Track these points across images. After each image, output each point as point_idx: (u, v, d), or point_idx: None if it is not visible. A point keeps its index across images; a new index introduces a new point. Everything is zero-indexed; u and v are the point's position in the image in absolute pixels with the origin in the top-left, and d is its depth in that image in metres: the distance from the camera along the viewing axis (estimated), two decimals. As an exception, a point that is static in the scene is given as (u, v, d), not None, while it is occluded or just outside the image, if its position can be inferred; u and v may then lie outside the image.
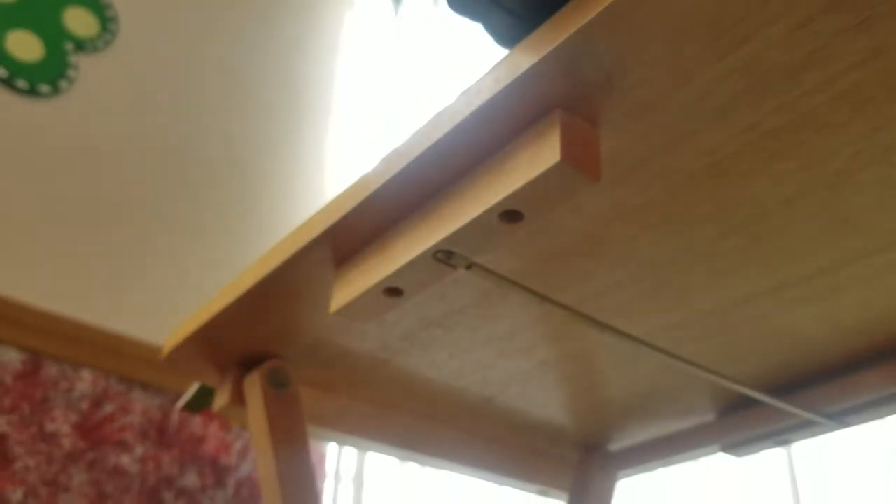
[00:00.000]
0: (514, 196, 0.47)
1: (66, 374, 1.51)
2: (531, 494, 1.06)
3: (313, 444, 1.79)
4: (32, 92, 1.61)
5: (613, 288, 0.65)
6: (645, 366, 0.78)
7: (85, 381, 1.53)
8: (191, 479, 1.59)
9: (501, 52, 0.58)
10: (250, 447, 1.71)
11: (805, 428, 0.84)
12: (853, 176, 0.52)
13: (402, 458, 0.95)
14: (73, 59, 1.71)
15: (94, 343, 1.56)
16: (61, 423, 1.48)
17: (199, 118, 1.88)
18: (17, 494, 1.38)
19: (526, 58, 0.45)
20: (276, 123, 2.00)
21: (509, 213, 0.49)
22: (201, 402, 0.87)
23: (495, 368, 0.78)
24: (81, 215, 1.64)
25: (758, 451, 0.89)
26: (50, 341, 1.50)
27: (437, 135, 0.50)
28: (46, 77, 1.66)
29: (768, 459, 1.64)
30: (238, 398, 0.78)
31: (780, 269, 0.62)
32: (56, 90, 1.66)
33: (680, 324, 0.69)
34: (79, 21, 1.74)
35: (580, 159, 0.46)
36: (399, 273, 0.55)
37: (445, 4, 0.46)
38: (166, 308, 1.71)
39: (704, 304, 0.67)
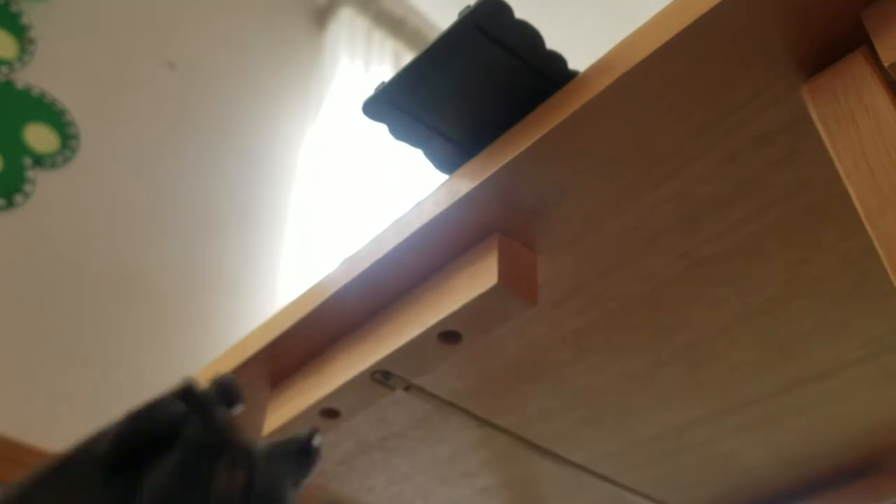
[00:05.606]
0: (452, 317, 0.48)
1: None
2: None
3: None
4: (-16, 204, 1.60)
5: (554, 412, 0.64)
6: (589, 493, 0.76)
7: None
8: None
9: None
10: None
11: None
12: (786, 304, 0.54)
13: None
14: (31, 173, 1.71)
15: (10, 457, 1.49)
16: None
17: (151, 239, 1.87)
18: None
19: (464, 183, 0.46)
20: (233, 244, 2.00)
21: (448, 335, 0.49)
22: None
23: (437, 495, 0.76)
24: (26, 332, 1.60)
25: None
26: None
27: (377, 256, 0.50)
28: (1, 190, 1.65)
29: None
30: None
31: (718, 396, 0.62)
32: (10, 203, 1.65)
33: (622, 450, 0.69)
34: (39, 137, 1.76)
35: (517, 282, 0.47)
36: (336, 394, 0.54)
37: (386, 132, 0.48)
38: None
39: (646, 431, 0.66)
